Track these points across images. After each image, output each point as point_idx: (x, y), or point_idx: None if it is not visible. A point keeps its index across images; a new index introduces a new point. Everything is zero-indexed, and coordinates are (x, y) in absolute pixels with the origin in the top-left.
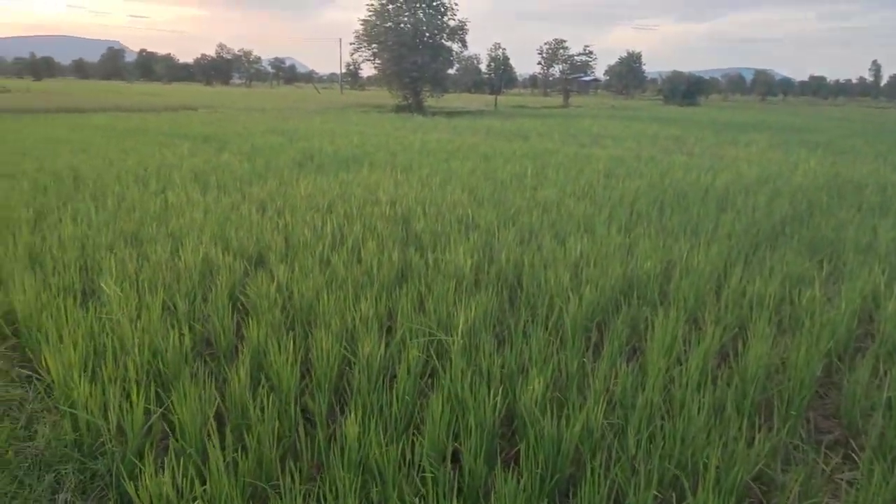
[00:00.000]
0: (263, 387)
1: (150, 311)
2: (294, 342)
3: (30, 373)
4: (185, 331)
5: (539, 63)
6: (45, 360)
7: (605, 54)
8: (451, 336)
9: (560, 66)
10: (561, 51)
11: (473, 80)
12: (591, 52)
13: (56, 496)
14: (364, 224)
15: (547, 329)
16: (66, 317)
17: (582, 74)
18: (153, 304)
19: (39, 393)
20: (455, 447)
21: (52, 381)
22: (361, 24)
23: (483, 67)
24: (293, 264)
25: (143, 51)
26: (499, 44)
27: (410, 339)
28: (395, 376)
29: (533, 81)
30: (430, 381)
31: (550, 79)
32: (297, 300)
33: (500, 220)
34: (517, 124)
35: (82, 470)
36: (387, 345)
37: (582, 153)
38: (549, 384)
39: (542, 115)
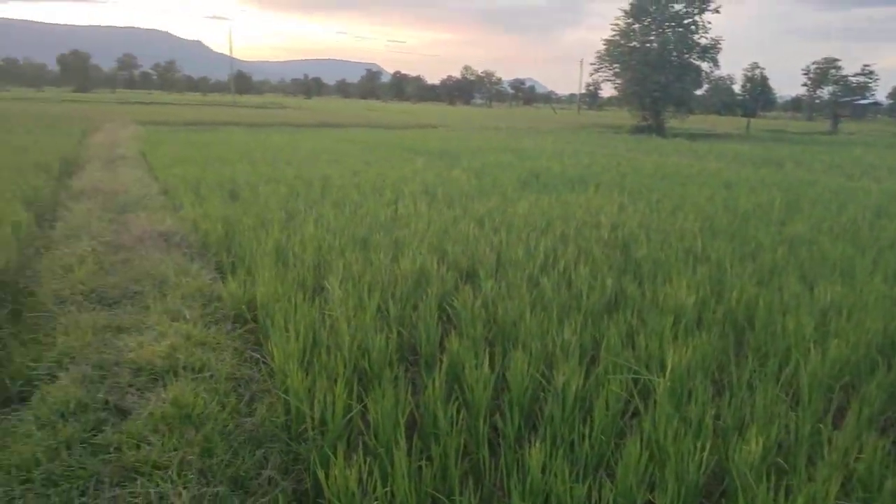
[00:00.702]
0: (457, 399)
1: (366, 312)
2: (492, 359)
3: (259, 356)
4: (393, 334)
5: (804, 84)
6: (271, 346)
7: (888, 75)
8: (660, 377)
9: (830, 88)
10: (832, 71)
11: (724, 102)
12: (870, 73)
13: (262, 471)
14: (579, 247)
15: (778, 383)
16: (295, 309)
17: (858, 97)
18: (369, 306)
19: (263, 375)
20: (649, 500)
21: (274, 366)
22: (604, 45)
23: (737, 88)
24: (501, 281)
25: (397, 72)
26: (756, 63)
27: (613, 374)
28: (591, 410)
29: (796, 105)
30: (629, 421)
31: (817, 101)
32: (501, 317)
33: (735, 254)
34: (770, 150)
35: (287, 451)
36: (586, 376)
37: (847, 186)
38: (772, 447)
39: (803, 142)
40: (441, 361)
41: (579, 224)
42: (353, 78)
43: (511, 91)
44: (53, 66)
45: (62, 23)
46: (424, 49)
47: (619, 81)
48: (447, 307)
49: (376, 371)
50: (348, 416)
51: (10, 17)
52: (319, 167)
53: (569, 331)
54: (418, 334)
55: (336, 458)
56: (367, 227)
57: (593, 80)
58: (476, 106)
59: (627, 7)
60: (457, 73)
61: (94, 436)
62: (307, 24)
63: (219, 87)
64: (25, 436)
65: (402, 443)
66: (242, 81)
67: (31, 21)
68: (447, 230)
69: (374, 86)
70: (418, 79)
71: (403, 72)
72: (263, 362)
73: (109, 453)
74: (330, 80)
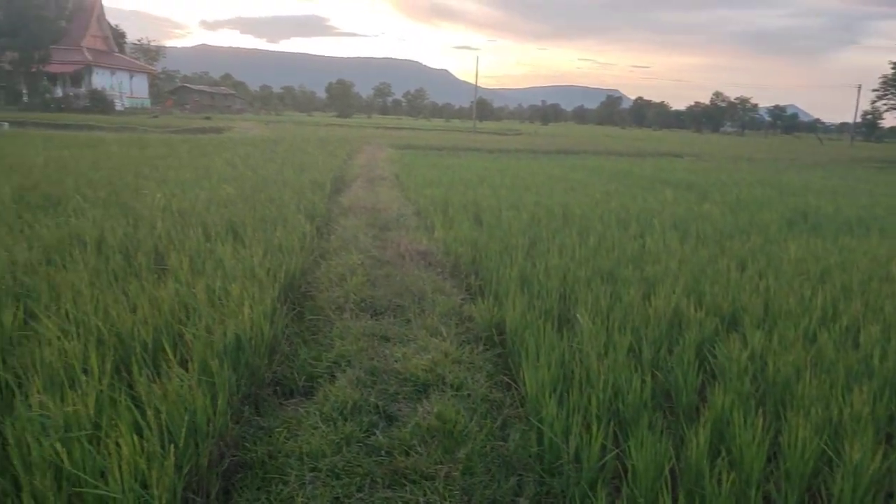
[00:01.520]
0: (723, 458)
1: (617, 350)
2: (763, 419)
3: (510, 381)
4: (647, 377)
5: None
6: (523, 373)
7: None
8: None
9: None
10: None
11: None
12: None
13: (517, 499)
14: (866, 302)
15: None
16: (543, 338)
17: None
18: (620, 344)
19: (515, 401)
20: None
21: (526, 394)
22: (893, 68)
23: None
24: (771, 333)
25: (638, 98)
26: None
27: None
28: (892, 495)
29: None
30: None
31: None
32: (772, 374)
33: None
34: None
35: (541, 482)
36: (884, 455)
37: None
38: None
39: None
40: (702, 413)
41: (864, 275)
42: (592, 104)
43: (768, 119)
44: (321, 94)
45: (331, 55)
46: (670, 74)
47: None
48: (707, 355)
49: (632, 414)
50: (604, 460)
51: (290, 50)
52: (558, 194)
53: (859, 399)
54: (674, 380)
55: (595, 500)
56: (614, 261)
57: (874, 107)
58: (726, 134)
59: None
60: (705, 99)
61: (368, 437)
62: (549, 51)
63: (461, 113)
64: (312, 427)
65: (666, 496)
66: (483, 107)
67: (307, 54)
68: (703, 270)
69: (613, 112)
70: (662, 105)
71: (646, 97)
72: (515, 388)
73: (381, 456)
74: (568, 105)
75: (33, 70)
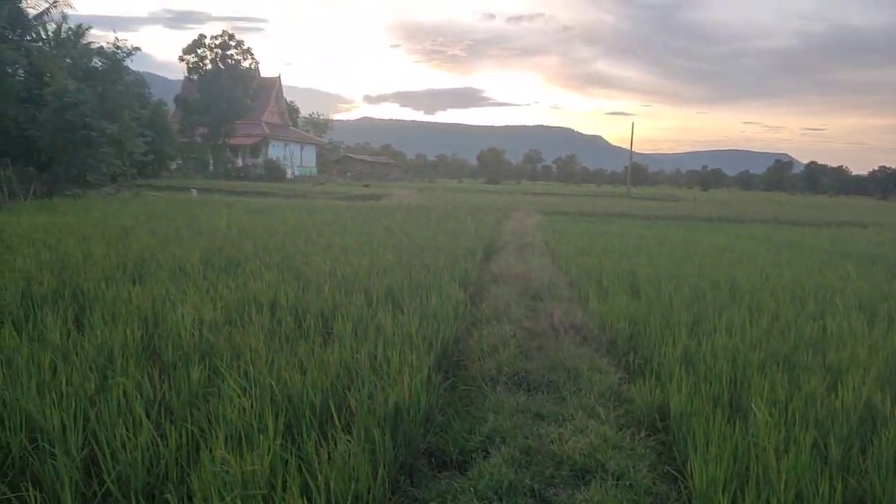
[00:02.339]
0: None
1: (799, 447)
2: None
3: (675, 473)
4: (837, 481)
5: None
6: (690, 465)
7: None
8: None
9: None
10: None
11: None
12: None
13: None
14: None
15: None
16: (713, 427)
17: None
18: (802, 440)
19: (682, 496)
20: None
21: (694, 489)
22: None
23: None
24: None
25: (811, 163)
26: None
27: None
28: None
29: None
30: None
31: None
32: None
33: None
34: None
35: None
36: None
37: None
38: None
39: None
40: None
41: None
42: (758, 169)
43: None
44: (473, 161)
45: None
46: (847, 136)
47: None
48: None
49: None
50: None
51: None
52: (723, 266)
53: None
54: (870, 487)
55: None
56: (791, 344)
57: None
58: None
59: None
60: (892, 163)
61: None
62: (709, 114)
63: (614, 179)
64: None
65: None
66: (637, 172)
67: (460, 124)
68: None
69: (782, 177)
70: (839, 170)
71: (820, 161)
72: (681, 481)
73: None
74: (731, 171)
75: (220, 143)
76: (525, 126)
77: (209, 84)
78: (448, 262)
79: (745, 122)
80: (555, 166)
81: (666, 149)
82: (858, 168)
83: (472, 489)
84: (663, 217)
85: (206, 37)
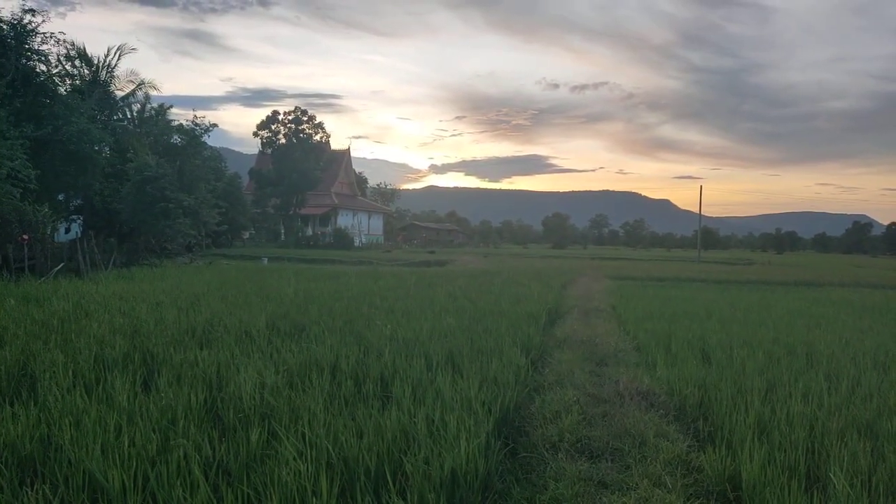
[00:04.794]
0: None
1: None
2: None
3: None
4: None
5: None
6: None
7: None
8: None
9: None
10: None
11: None
12: None
13: None
14: None
15: None
16: (788, 498)
17: None
18: None
19: None
20: None
21: None
22: None
23: None
24: None
25: (892, 224)
26: None
27: None
28: None
29: None
30: None
31: None
32: None
33: None
34: None
35: None
36: None
37: None
38: None
39: None
40: None
41: None
42: (835, 231)
43: None
44: (538, 226)
45: (548, 190)
46: None
47: None
48: None
49: None
50: None
51: (510, 188)
52: (799, 331)
53: None
54: None
55: None
56: (874, 411)
57: None
58: None
59: None
60: None
61: None
62: (781, 176)
63: (683, 243)
64: None
65: None
66: (708, 236)
67: (523, 190)
68: None
69: (861, 239)
70: None
71: None
72: None
73: None
74: (806, 233)
75: (291, 213)
76: (590, 191)
77: (282, 157)
78: (510, 326)
79: (818, 184)
80: (622, 231)
81: (737, 212)
82: None
83: None
84: (736, 281)
85: (279, 113)
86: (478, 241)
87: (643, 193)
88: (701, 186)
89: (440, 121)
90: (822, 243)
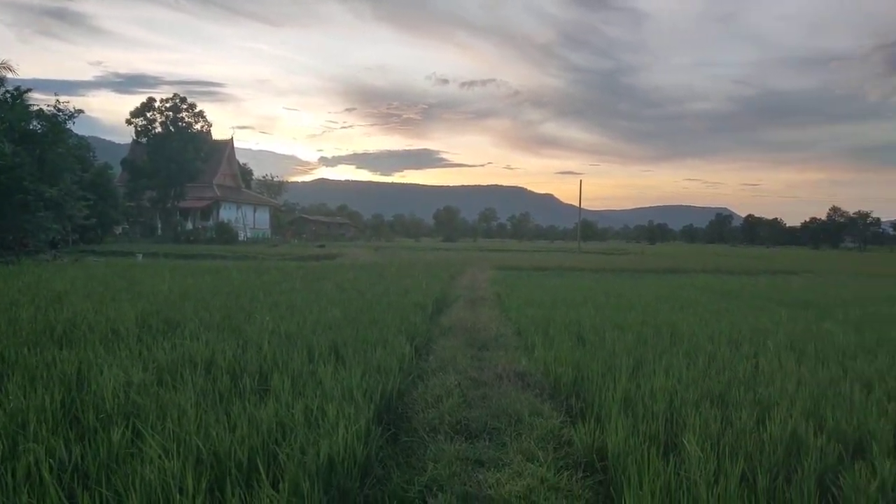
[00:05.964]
0: None
1: (728, 479)
2: None
3: None
4: None
5: None
6: (624, 501)
7: None
8: None
9: None
10: None
11: None
12: None
13: None
14: None
15: None
16: (647, 464)
17: None
18: (731, 472)
19: None
20: None
21: None
22: None
23: None
24: None
25: (749, 216)
26: None
27: None
28: None
29: None
30: None
31: None
32: None
33: None
34: None
35: None
36: None
37: None
38: None
39: None
40: None
41: None
42: (701, 223)
43: (893, 233)
44: (429, 220)
45: (438, 185)
46: (781, 190)
47: None
48: (830, 486)
49: None
50: None
51: (402, 182)
52: (665, 314)
53: None
54: None
55: None
56: (724, 383)
57: None
58: (846, 250)
59: None
60: (821, 215)
61: None
62: (654, 172)
63: (565, 235)
64: None
65: None
66: (587, 229)
67: (417, 184)
68: (823, 392)
69: (723, 230)
70: (774, 221)
71: (757, 215)
72: None
73: None
74: (676, 225)
75: (168, 206)
76: (479, 186)
77: (158, 147)
78: (397, 316)
79: (686, 179)
80: (509, 224)
81: (615, 206)
82: (792, 220)
83: None
84: (611, 270)
85: (155, 100)
86: (369, 235)
87: (529, 188)
88: (581, 181)
89: (329, 112)
90: (689, 234)
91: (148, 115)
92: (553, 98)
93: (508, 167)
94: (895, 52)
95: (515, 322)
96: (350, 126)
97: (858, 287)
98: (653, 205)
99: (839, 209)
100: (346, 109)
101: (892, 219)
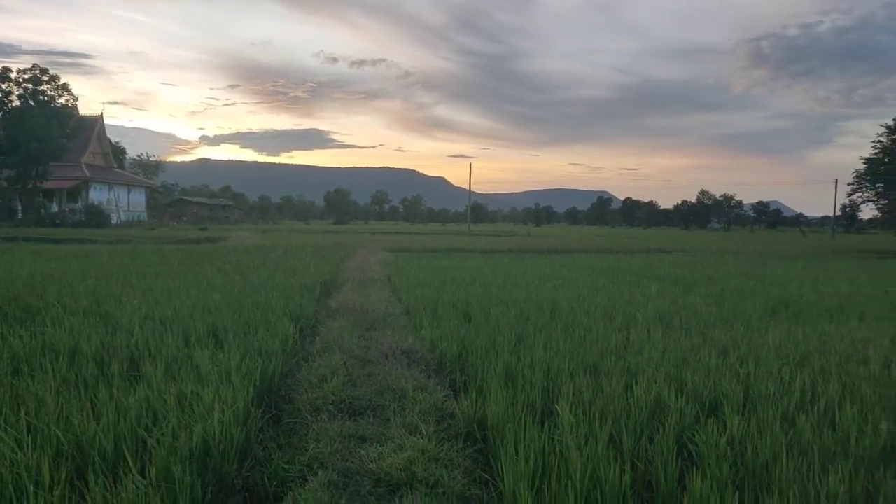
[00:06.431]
0: None
1: (597, 441)
2: None
3: (489, 477)
4: (627, 467)
5: None
6: (501, 467)
7: None
8: None
9: None
10: None
11: None
12: None
13: None
14: (844, 384)
15: None
16: (525, 432)
17: None
18: (600, 435)
19: (493, 496)
20: None
21: (504, 489)
22: (864, 163)
23: None
24: (750, 418)
25: (628, 199)
26: None
27: None
28: None
29: None
30: None
31: None
32: (751, 459)
33: None
34: None
35: None
36: None
37: None
38: None
39: None
40: (681, 502)
41: (842, 358)
42: (584, 205)
43: (753, 214)
44: (320, 202)
45: (330, 166)
46: (657, 175)
47: (883, 202)
48: (687, 442)
49: None
50: None
51: (290, 162)
52: (547, 291)
53: (834, 479)
54: (654, 469)
55: None
56: (598, 353)
57: (850, 200)
58: (713, 230)
59: (892, 123)
60: (692, 198)
61: None
62: (541, 156)
63: (457, 218)
64: None
65: None
66: (478, 211)
67: (306, 165)
68: (685, 359)
69: (603, 212)
70: (650, 204)
71: (634, 198)
72: (493, 484)
73: None
74: (561, 207)
75: (30, 186)
76: (371, 168)
77: (16, 122)
78: (283, 299)
79: (571, 164)
80: (401, 207)
81: (504, 189)
82: (666, 202)
83: None
84: (500, 251)
85: (11, 70)
86: (256, 218)
87: (421, 171)
88: (471, 164)
89: (211, 89)
90: (573, 216)
91: (3, 86)
92: (445, 81)
93: (400, 149)
94: (758, 46)
95: (405, 302)
96: (233, 103)
97: (721, 264)
98: (540, 188)
99: (707, 192)
100: (230, 86)
101: (753, 201)
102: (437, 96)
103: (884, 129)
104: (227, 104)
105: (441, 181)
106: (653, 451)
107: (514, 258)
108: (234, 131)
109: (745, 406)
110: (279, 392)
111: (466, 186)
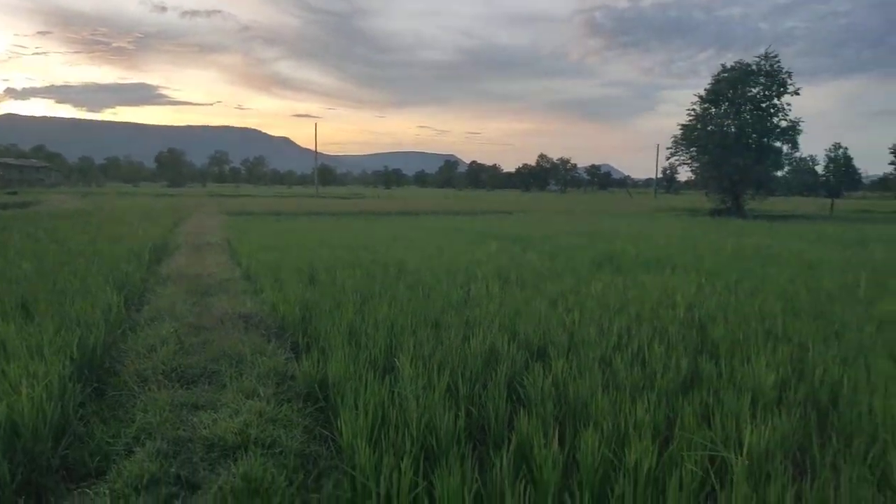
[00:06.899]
0: (523, 479)
1: (435, 391)
2: (561, 439)
3: (329, 434)
4: (462, 413)
5: (892, 163)
6: (340, 423)
7: None
8: (737, 456)
9: None
10: None
11: (806, 183)
12: None
13: None
14: (654, 327)
15: (865, 464)
16: (365, 387)
17: None
18: (438, 385)
19: (332, 452)
20: None
21: (342, 443)
22: (680, 129)
23: (819, 169)
24: (573, 361)
25: (473, 162)
26: (839, 143)
27: (688, 452)
28: (664, 490)
29: (883, 184)
30: (704, 502)
31: None
32: (572, 397)
33: (818, 334)
34: (855, 230)
35: None
36: (659, 455)
37: None
38: None
39: (891, 221)
40: (510, 440)
41: (654, 304)
42: (432, 169)
43: (587, 177)
44: (151, 164)
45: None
46: (500, 139)
47: (696, 165)
48: (517, 386)
49: (444, 449)
50: (414, 493)
51: (115, 120)
52: (395, 252)
53: (641, 409)
54: (487, 413)
55: None
56: (440, 309)
57: (669, 164)
58: (551, 192)
59: (703, 93)
60: (532, 161)
61: None
62: (388, 118)
63: (304, 180)
64: None
65: None
66: (326, 174)
67: (134, 123)
68: (519, 310)
69: (451, 175)
70: (494, 167)
71: (480, 161)
72: (332, 440)
73: None
74: (409, 171)
75: None
76: (209, 127)
77: None
78: (105, 266)
79: (419, 126)
80: (243, 168)
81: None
82: (508, 166)
83: (107, 491)
84: (349, 213)
85: None
86: (76, 181)
87: (264, 130)
88: (316, 125)
89: (16, 35)
90: (421, 179)
91: None
92: (287, 37)
93: (241, 107)
94: (592, 16)
95: (245, 267)
96: (45, 53)
97: (557, 223)
98: (388, 150)
99: (546, 156)
100: (39, 32)
101: (587, 164)
102: (279, 52)
103: (697, 98)
104: (37, 53)
105: (286, 141)
106: (486, 396)
107: (363, 221)
108: (48, 84)
109: (569, 350)
110: (103, 364)
111: (313, 147)
